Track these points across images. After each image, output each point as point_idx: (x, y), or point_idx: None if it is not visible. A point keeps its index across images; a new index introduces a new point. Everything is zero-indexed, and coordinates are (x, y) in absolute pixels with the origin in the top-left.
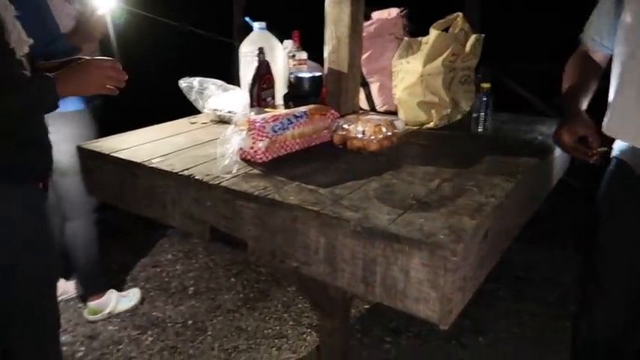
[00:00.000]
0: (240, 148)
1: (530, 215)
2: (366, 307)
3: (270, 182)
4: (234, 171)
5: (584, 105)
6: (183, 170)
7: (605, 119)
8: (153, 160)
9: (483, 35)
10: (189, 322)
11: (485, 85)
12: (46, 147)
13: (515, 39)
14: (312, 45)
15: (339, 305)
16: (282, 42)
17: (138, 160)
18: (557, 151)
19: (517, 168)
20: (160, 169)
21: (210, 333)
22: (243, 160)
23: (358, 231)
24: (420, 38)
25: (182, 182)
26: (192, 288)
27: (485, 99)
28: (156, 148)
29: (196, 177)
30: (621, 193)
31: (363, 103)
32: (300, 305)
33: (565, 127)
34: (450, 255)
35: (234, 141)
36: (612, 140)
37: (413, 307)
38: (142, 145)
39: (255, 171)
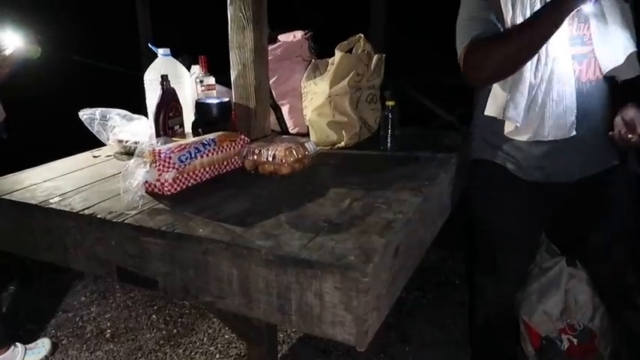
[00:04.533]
0: (146, 181)
1: (441, 224)
2: (294, 330)
3: (179, 215)
4: (139, 206)
5: None
6: (84, 209)
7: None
8: (50, 201)
9: (384, 55)
10: None
11: (390, 103)
12: None
13: (425, 52)
14: (223, 68)
15: (264, 333)
16: (189, 69)
17: (33, 201)
18: (458, 161)
19: (423, 182)
20: (58, 210)
21: None
22: (150, 193)
23: (270, 259)
24: (327, 59)
25: (83, 222)
26: (109, 331)
27: (390, 116)
28: (55, 186)
29: (98, 216)
30: (497, 187)
31: (276, 126)
32: (226, 336)
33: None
34: (360, 276)
35: (138, 174)
36: None
37: (329, 332)
38: (40, 184)
39: (163, 205)
